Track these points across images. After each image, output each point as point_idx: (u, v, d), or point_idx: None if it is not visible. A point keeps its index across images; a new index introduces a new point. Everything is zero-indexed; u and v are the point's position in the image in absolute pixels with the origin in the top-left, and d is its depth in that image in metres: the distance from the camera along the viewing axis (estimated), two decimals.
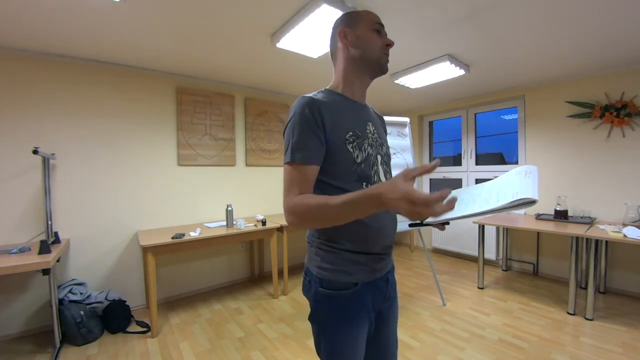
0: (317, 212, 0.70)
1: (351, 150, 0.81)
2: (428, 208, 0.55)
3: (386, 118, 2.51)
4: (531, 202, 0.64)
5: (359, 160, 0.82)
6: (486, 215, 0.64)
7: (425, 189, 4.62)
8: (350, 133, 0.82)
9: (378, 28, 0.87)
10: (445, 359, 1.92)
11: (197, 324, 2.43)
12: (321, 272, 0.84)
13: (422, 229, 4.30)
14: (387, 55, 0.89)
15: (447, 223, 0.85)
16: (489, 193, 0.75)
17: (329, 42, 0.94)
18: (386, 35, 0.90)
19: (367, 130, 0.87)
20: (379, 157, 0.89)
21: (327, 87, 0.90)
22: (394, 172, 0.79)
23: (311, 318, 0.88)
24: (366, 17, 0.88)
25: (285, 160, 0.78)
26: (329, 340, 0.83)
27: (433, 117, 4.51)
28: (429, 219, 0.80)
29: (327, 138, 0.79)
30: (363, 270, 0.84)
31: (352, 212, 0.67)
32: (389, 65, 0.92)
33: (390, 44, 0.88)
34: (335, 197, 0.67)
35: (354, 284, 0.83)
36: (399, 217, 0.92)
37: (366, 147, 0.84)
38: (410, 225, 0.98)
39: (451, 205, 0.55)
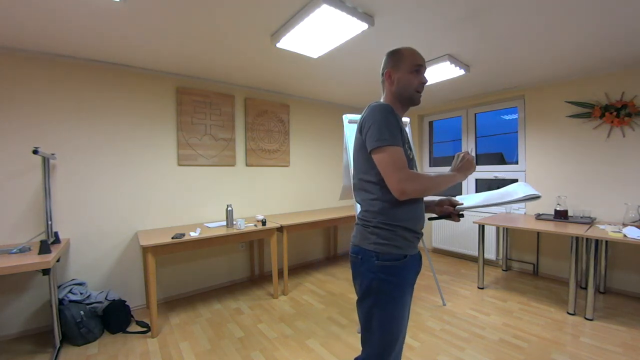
0: (433, 181, 0.99)
1: (407, 149, 1.05)
2: (470, 160, 1.09)
3: None
4: (537, 197, 1.00)
5: (410, 157, 1.07)
6: (499, 206, 1.05)
7: None
8: (405, 139, 1.07)
9: (416, 69, 1.09)
10: (445, 359, 1.92)
11: (197, 324, 2.43)
12: (378, 247, 1.01)
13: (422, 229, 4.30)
14: (421, 91, 1.12)
15: (462, 215, 1.16)
16: (501, 194, 1.12)
17: (381, 70, 1.18)
18: (425, 69, 1.13)
19: (408, 141, 1.14)
20: (414, 159, 1.17)
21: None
22: None
23: (364, 294, 1.03)
24: (408, 60, 1.10)
25: (383, 143, 0.97)
26: (384, 310, 1.00)
27: (433, 117, 4.51)
28: (458, 206, 1.16)
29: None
30: (409, 245, 1.05)
31: (448, 181, 1.03)
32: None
33: (424, 83, 1.11)
34: (438, 174, 1.03)
35: (404, 256, 1.02)
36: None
37: (410, 151, 1.11)
38: (430, 219, 1.25)
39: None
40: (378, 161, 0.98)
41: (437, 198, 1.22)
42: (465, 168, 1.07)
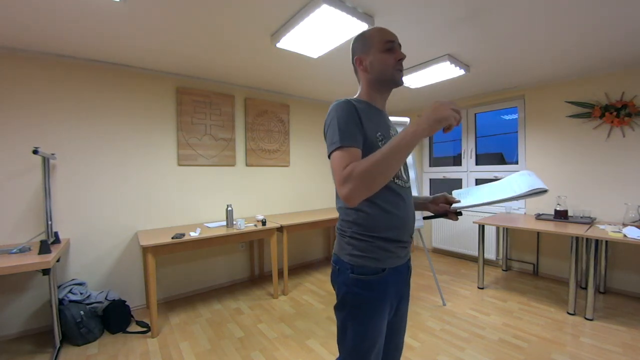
0: (370, 166, 0.76)
1: (378, 139, 0.92)
2: (452, 104, 0.76)
3: None
4: (543, 192, 0.84)
5: None
6: (499, 204, 0.90)
7: (426, 189, 4.63)
8: (379, 133, 0.94)
9: (388, 46, 0.96)
10: (445, 359, 1.93)
11: (197, 324, 2.43)
12: (353, 259, 0.93)
13: (422, 229, 4.30)
14: (401, 69, 0.98)
15: (461, 214, 1.02)
16: (502, 188, 0.95)
17: (351, 59, 1.04)
18: (400, 46, 0.99)
19: (390, 133, 1.00)
20: None
21: (355, 97, 1.01)
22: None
23: (340, 305, 0.96)
24: (377, 40, 0.97)
25: (332, 148, 0.85)
26: (358, 324, 0.92)
27: None
28: (455, 205, 1.02)
29: (364, 134, 0.89)
30: (390, 257, 0.94)
31: (400, 150, 0.76)
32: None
33: (401, 59, 0.97)
34: (388, 143, 0.78)
35: (382, 270, 0.92)
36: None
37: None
38: (425, 218, 1.13)
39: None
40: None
41: (431, 195, 1.11)
42: (434, 112, 0.76)
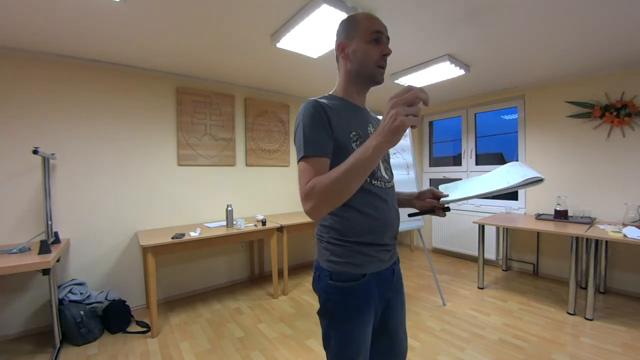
0: (331, 184, 0.71)
1: (355, 148, 0.85)
2: (411, 91, 0.63)
3: None
4: (539, 181, 0.77)
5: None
6: (494, 194, 0.81)
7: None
8: (354, 133, 0.87)
9: (375, 37, 0.87)
10: (445, 359, 1.93)
11: (197, 324, 2.43)
12: (331, 266, 0.88)
13: (422, 228, 4.30)
14: (383, 66, 0.90)
15: (448, 209, 0.94)
16: (493, 180, 0.87)
17: (334, 47, 0.97)
18: (388, 39, 0.90)
19: (368, 131, 0.92)
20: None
21: (330, 93, 0.96)
22: (394, 171, 0.83)
23: (321, 312, 0.91)
24: (363, 28, 0.88)
25: (298, 157, 0.81)
26: (339, 331, 0.87)
27: (433, 117, 4.51)
28: (443, 199, 0.93)
29: (335, 137, 0.83)
30: (370, 261, 0.88)
31: (361, 165, 0.68)
32: (389, 64, 0.93)
33: (387, 54, 0.89)
34: (350, 158, 0.69)
35: (362, 275, 0.87)
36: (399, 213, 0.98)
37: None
38: (410, 215, 1.05)
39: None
40: None
41: (416, 191, 1.03)
42: (387, 120, 0.65)
